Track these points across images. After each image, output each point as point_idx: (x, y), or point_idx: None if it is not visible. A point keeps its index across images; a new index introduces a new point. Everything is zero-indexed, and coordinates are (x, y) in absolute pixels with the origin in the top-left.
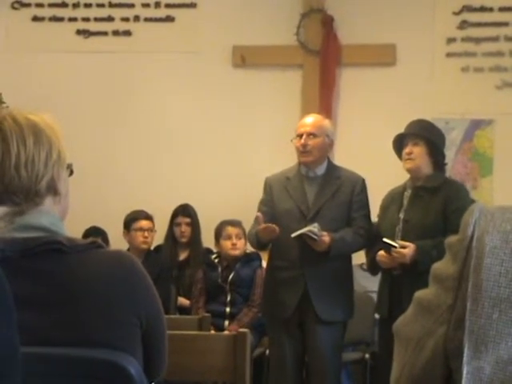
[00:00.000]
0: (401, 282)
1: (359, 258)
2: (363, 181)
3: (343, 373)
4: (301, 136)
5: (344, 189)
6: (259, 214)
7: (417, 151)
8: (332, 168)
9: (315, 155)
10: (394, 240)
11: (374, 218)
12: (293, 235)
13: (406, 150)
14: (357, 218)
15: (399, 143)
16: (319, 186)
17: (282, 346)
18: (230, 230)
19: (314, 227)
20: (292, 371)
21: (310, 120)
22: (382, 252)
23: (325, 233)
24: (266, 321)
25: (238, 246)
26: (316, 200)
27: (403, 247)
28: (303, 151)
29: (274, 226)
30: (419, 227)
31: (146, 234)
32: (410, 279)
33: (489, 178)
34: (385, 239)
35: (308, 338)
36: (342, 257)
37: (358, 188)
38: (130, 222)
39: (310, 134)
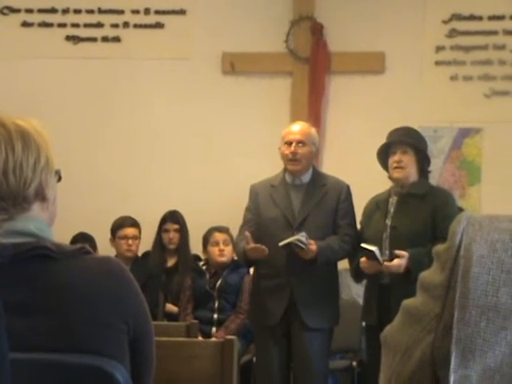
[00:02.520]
0: (389, 291)
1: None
2: (348, 188)
3: (330, 381)
4: (289, 143)
5: (329, 196)
6: (247, 233)
7: (406, 159)
8: (317, 175)
9: (303, 164)
10: (380, 246)
11: (359, 224)
12: (280, 244)
13: (395, 158)
14: (342, 226)
15: (384, 152)
16: (305, 194)
17: (268, 354)
18: (218, 236)
19: (301, 236)
20: (278, 379)
21: (298, 128)
22: (363, 258)
23: (312, 241)
24: (253, 328)
25: (225, 252)
26: (302, 208)
27: (397, 256)
28: (293, 159)
29: (263, 247)
30: (407, 233)
31: (130, 241)
32: (398, 287)
33: (477, 187)
34: (362, 244)
35: (294, 345)
36: (326, 264)
37: (343, 195)
38: (115, 229)
39: (300, 142)
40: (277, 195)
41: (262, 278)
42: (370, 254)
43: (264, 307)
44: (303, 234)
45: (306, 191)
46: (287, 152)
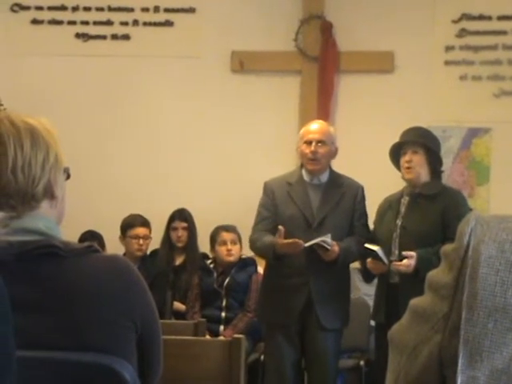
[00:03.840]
0: (398, 289)
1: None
2: (363, 189)
3: (339, 380)
4: (309, 143)
5: (347, 197)
6: (281, 227)
7: (416, 159)
8: (334, 175)
9: (323, 163)
10: (390, 246)
11: (371, 224)
12: (306, 245)
13: (406, 158)
14: (358, 227)
15: (396, 152)
16: (323, 194)
17: (281, 352)
18: (225, 235)
19: (327, 237)
20: (290, 378)
21: (318, 127)
22: (369, 259)
23: (334, 242)
24: (264, 327)
25: (233, 251)
26: (320, 207)
27: (405, 258)
28: (313, 159)
29: (300, 241)
30: (416, 234)
31: (141, 241)
32: (407, 286)
33: (485, 187)
34: (366, 244)
35: (308, 344)
36: (344, 265)
37: (359, 196)
38: (126, 228)
39: (319, 142)
40: (294, 193)
41: (279, 276)
42: (374, 254)
43: (281, 306)
44: (329, 235)
45: (325, 191)
46: (307, 151)
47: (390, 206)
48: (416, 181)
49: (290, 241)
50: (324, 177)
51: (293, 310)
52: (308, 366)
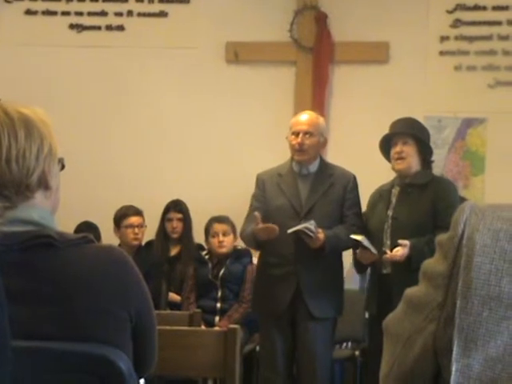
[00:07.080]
0: (390, 280)
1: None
2: (355, 178)
3: (336, 370)
4: (297, 134)
5: (336, 186)
6: (257, 213)
7: (407, 150)
8: (324, 165)
9: (310, 154)
10: (382, 237)
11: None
12: (289, 231)
13: (396, 149)
14: (349, 216)
15: (386, 143)
16: (312, 183)
17: (272, 343)
18: (217, 227)
19: (310, 224)
20: (282, 368)
21: (306, 118)
22: (358, 249)
23: (320, 229)
24: (258, 317)
25: (224, 243)
26: (309, 197)
27: (400, 245)
28: (299, 150)
29: (274, 225)
30: (408, 224)
31: (137, 230)
32: (399, 277)
33: (480, 177)
34: (352, 235)
35: (299, 334)
36: (333, 253)
37: (351, 185)
38: (119, 218)
39: (307, 133)
40: (284, 184)
41: (268, 266)
42: (360, 244)
43: (270, 296)
44: (312, 221)
45: (313, 181)
46: (294, 143)
47: (380, 196)
48: (407, 171)
49: (265, 225)
50: (313, 167)
51: (282, 299)
52: (298, 355)
